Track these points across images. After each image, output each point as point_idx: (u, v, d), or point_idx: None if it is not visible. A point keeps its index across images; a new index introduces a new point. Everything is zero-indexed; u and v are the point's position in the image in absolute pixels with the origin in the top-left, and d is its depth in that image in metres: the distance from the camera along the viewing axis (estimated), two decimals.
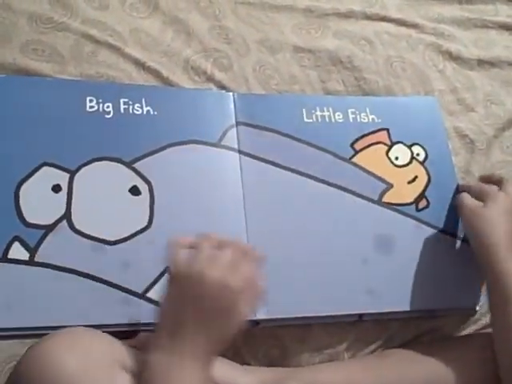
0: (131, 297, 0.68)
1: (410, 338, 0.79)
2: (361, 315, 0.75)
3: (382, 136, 0.84)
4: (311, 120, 0.82)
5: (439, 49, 0.98)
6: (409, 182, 0.83)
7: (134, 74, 0.82)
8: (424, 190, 0.82)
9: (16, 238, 0.67)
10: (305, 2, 0.96)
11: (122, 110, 0.76)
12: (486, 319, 0.81)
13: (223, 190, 0.76)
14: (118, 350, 0.59)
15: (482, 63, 0.99)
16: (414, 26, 0.99)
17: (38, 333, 0.62)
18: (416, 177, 0.83)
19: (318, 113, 0.83)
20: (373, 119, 0.85)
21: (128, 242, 0.70)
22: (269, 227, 0.74)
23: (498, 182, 0.78)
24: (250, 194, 0.76)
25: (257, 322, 0.71)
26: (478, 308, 0.79)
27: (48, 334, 0.58)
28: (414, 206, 0.81)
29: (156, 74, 0.83)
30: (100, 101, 0.76)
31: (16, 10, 0.81)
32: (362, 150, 0.82)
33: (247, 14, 0.93)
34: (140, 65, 0.83)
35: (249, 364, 0.73)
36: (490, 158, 0.91)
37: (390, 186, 0.81)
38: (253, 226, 0.74)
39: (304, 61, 0.91)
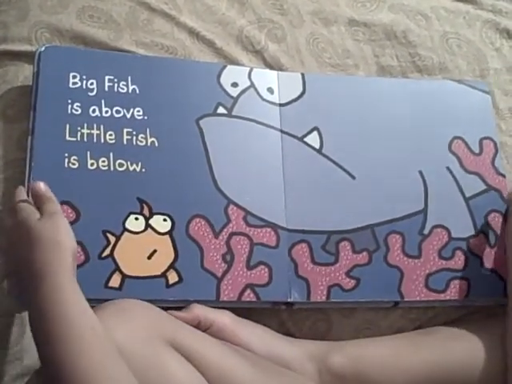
0: None
1: (455, 317, 0.79)
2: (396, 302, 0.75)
3: None
4: None
5: (497, 26, 0.95)
6: None
7: (187, 44, 0.82)
8: None
9: None
10: None
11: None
12: None
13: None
14: (167, 325, 0.60)
15: None
16: (472, 1, 0.97)
17: None
18: None
19: None
20: None
21: None
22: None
23: None
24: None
25: (291, 304, 0.72)
26: None
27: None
28: None
29: (209, 43, 0.83)
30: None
31: None
32: None
33: None
34: (194, 34, 0.83)
35: (293, 336, 0.74)
36: None
37: None
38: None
39: (358, 34, 0.89)
